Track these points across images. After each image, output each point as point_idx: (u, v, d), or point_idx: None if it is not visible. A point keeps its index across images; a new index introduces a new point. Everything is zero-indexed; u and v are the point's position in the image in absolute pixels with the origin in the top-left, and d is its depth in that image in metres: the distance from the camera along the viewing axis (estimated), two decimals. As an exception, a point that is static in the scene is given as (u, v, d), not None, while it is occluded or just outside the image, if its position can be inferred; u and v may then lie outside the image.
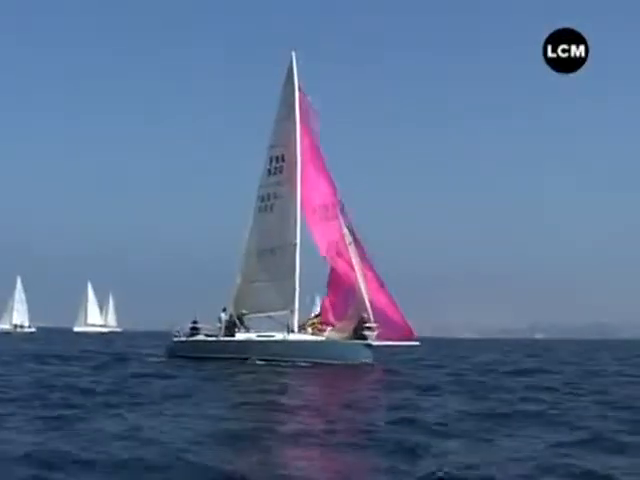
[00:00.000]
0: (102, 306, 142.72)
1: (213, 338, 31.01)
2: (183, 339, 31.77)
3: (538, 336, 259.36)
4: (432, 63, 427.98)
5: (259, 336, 30.76)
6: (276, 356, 28.87)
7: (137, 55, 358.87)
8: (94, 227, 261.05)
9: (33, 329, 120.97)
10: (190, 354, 30.03)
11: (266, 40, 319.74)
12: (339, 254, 31.73)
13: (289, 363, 28.21)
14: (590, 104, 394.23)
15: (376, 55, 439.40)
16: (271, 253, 33.42)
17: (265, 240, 33.64)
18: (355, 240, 31.65)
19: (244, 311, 31.78)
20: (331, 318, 31.68)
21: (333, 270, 32.23)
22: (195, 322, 31.96)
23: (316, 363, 28.27)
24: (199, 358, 29.08)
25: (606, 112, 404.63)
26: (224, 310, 31.68)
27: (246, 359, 28.41)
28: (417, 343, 31.87)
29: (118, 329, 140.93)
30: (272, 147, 34.55)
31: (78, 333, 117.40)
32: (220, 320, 31.22)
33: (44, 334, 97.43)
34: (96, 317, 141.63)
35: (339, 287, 32.02)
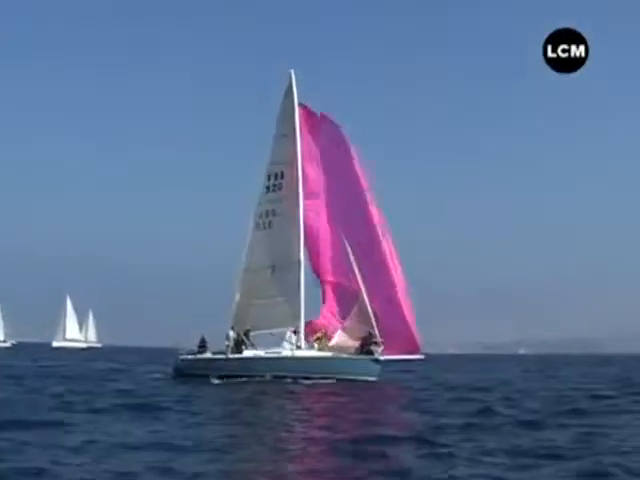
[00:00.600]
0: (82, 321, 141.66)
1: (221, 356, 31.08)
2: (190, 357, 31.80)
3: (522, 351, 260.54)
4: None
5: (267, 353, 31.01)
6: (285, 372, 29.16)
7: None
8: (74, 241, 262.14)
9: (9, 344, 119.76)
10: (198, 372, 30.06)
11: (262, 58, 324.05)
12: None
13: (298, 379, 28.58)
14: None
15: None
16: (272, 270, 33.61)
17: (265, 257, 33.77)
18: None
19: (249, 328, 31.93)
20: (334, 322, 32.15)
21: (328, 283, 32.86)
22: (203, 340, 32.04)
23: (325, 378, 28.64)
24: (206, 376, 29.14)
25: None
26: (232, 328, 31.76)
27: (260, 376, 28.61)
28: (422, 357, 32.26)
29: (98, 344, 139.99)
30: (271, 164, 34.76)
31: (57, 348, 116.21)
32: (228, 337, 31.30)
33: (22, 349, 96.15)
34: (75, 332, 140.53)
35: (338, 297, 32.53)
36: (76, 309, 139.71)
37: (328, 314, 32.81)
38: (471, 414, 17.55)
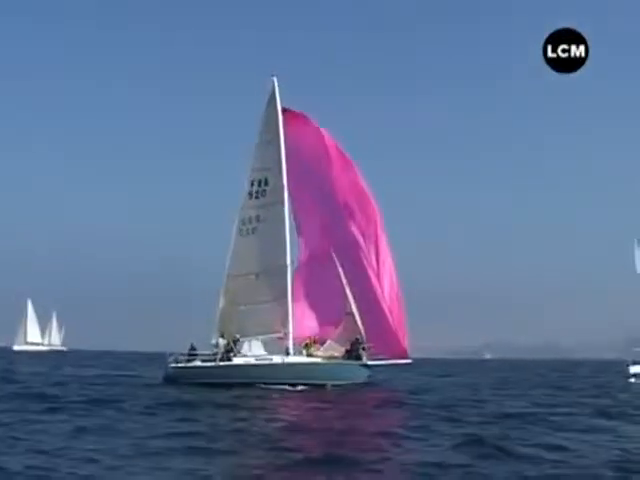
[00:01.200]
0: (46, 325, 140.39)
1: (212, 363, 31.21)
2: (181, 365, 31.84)
3: (487, 356, 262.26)
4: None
5: (257, 359, 31.25)
6: (276, 380, 29.39)
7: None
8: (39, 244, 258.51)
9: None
10: (189, 380, 30.10)
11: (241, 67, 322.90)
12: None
13: (289, 386, 28.90)
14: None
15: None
16: (256, 276, 33.85)
17: (249, 263, 33.91)
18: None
19: (237, 335, 32.10)
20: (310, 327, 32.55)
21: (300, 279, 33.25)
22: (193, 348, 32.11)
23: (317, 385, 29.02)
24: (198, 384, 29.26)
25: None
26: (222, 335, 31.91)
27: (251, 384, 28.82)
28: (409, 361, 32.77)
29: (63, 348, 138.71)
30: (254, 171, 34.91)
31: (18, 352, 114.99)
32: (217, 345, 31.48)
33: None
34: (36, 335, 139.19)
35: (309, 296, 32.93)
36: (39, 313, 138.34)
37: (311, 322, 33.10)
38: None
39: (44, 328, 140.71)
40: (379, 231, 33.06)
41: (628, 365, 47.92)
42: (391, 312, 32.32)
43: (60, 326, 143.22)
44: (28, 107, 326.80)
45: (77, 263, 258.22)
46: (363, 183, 33.76)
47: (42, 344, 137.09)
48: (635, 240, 51.19)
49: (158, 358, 38.66)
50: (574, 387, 36.63)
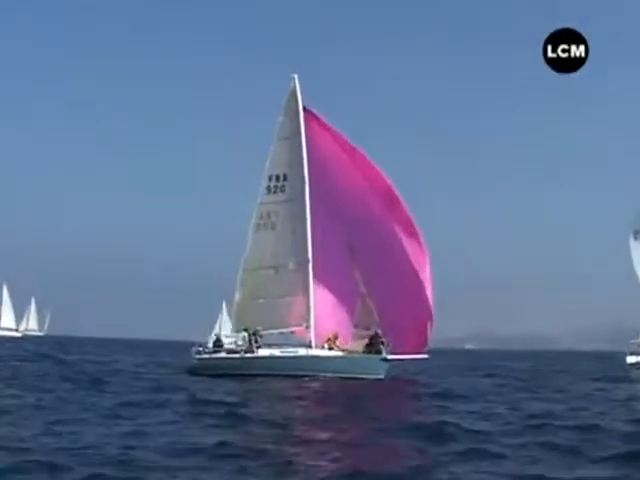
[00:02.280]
0: (24, 310, 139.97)
1: (238, 355, 32.12)
2: (206, 356, 32.72)
3: (468, 346, 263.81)
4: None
5: (282, 352, 32.21)
6: (302, 372, 30.34)
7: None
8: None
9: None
10: (214, 372, 30.89)
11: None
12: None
13: (313, 377, 29.92)
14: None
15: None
16: (275, 271, 34.68)
17: (267, 257, 34.79)
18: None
19: (259, 328, 32.95)
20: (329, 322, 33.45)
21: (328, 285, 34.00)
22: (219, 339, 33.01)
23: (341, 377, 30.04)
24: (223, 375, 30.16)
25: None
26: (245, 329, 32.78)
27: (277, 376, 29.72)
28: (426, 356, 33.78)
29: (40, 333, 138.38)
30: (272, 166, 35.69)
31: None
32: (244, 338, 32.35)
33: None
34: (10, 321, 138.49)
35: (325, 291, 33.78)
36: (16, 298, 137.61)
37: (329, 319, 33.88)
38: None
39: (22, 314, 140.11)
40: (401, 221, 33.68)
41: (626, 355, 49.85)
42: (414, 303, 32.97)
43: (40, 311, 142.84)
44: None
45: (58, 248, 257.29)
46: (385, 178, 34.52)
47: (16, 330, 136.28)
48: (632, 232, 52.76)
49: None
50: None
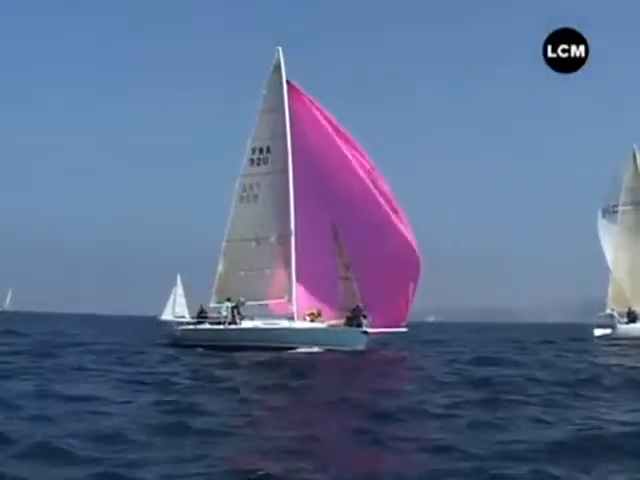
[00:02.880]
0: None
1: (222, 327, 32.67)
2: (190, 327, 33.24)
3: (430, 319, 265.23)
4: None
5: (265, 324, 32.83)
6: (285, 344, 30.95)
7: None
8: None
9: None
10: (197, 342, 31.44)
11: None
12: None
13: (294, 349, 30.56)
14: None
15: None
16: (257, 243, 35.11)
17: (250, 229, 35.09)
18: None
19: (242, 299, 33.47)
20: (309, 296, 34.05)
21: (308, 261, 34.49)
22: (203, 310, 33.51)
23: (323, 349, 30.77)
24: (206, 346, 30.74)
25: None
26: (228, 299, 33.25)
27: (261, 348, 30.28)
28: (405, 330, 34.61)
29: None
30: (256, 138, 35.96)
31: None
32: (227, 308, 32.86)
33: None
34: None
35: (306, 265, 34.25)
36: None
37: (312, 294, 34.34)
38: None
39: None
40: (384, 199, 34.14)
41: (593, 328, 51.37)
42: (394, 277, 33.62)
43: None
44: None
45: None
46: (364, 158, 34.97)
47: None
48: (599, 210, 54.05)
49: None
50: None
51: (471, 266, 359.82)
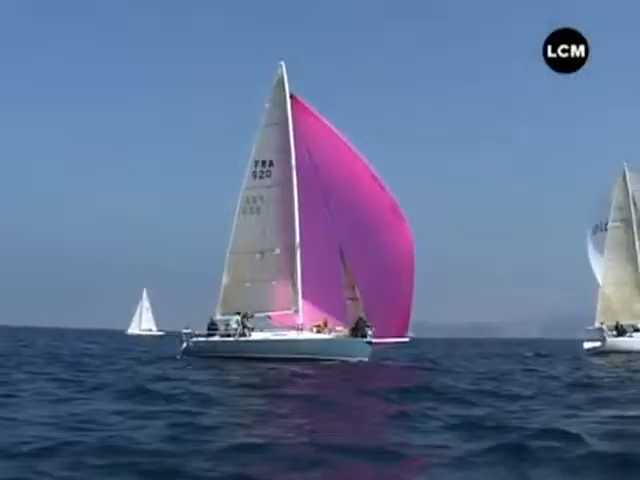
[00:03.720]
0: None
1: (232, 339, 33.10)
2: (202, 339, 33.68)
3: (410, 334, 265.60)
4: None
5: (274, 335, 33.27)
6: (294, 354, 31.33)
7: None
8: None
9: None
10: (209, 354, 31.98)
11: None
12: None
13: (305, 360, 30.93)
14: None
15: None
16: (261, 255, 35.53)
17: (254, 241, 35.58)
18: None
19: (249, 312, 33.93)
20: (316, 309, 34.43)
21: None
22: (213, 323, 33.93)
23: (330, 360, 31.14)
24: (217, 357, 31.17)
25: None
26: (238, 313, 33.73)
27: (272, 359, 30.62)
28: (407, 340, 35.15)
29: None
30: (259, 151, 36.49)
31: None
32: (237, 322, 33.32)
33: None
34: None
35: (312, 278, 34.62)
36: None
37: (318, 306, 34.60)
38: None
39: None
40: (389, 213, 34.56)
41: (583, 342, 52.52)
42: (400, 292, 34.16)
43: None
44: None
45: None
46: (370, 170, 35.47)
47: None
48: (590, 228, 55.31)
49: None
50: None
51: (451, 283, 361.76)
